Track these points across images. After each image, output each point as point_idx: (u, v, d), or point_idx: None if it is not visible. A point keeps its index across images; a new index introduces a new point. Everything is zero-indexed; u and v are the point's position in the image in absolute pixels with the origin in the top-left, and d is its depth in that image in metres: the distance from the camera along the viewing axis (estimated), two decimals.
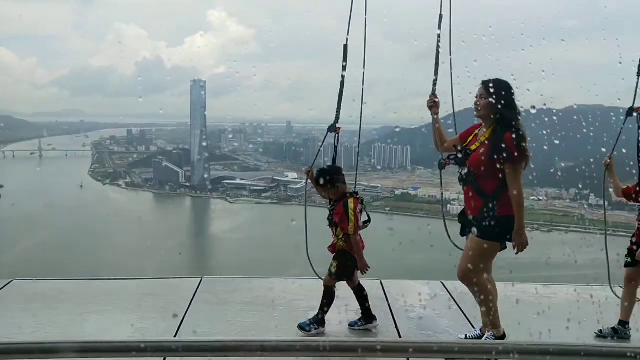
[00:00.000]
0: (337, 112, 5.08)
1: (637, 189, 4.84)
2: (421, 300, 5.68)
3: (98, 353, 3.02)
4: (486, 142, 4.28)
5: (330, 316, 4.89)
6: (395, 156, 60.33)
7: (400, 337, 4.83)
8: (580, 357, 2.54)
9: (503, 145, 4.11)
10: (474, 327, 5.03)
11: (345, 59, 5.04)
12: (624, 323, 4.87)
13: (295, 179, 57.86)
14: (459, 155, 4.45)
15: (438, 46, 4.95)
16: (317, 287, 5.66)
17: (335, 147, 5.12)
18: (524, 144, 4.21)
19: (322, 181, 4.86)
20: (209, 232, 51.36)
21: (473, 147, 4.40)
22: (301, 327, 4.76)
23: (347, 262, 4.82)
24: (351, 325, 4.95)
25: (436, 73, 4.97)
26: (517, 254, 4.27)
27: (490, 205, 4.21)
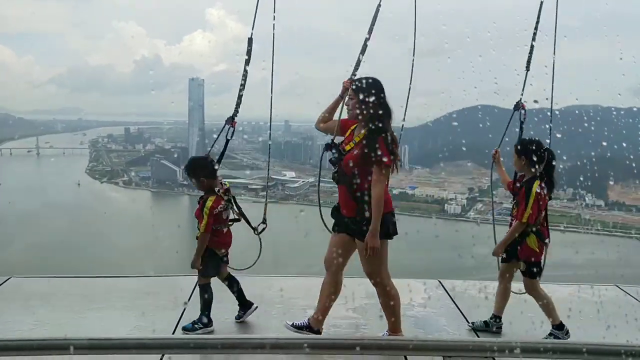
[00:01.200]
0: (236, 106, 4.97)
1: (516, 184, 4.82)
2: (419, 298, 5.69)
3: (97, 350, 3.03)
4: (360, 143, 4.18)
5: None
6: None
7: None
8: (579, 354, 2.56)
9: (375, 147, 4.05)
10: (470, 325, 5.05)
11: (248, 53, 4.92)
12: (496, 317, 4.93)
13: (293, 177, 57.87)
14: (334, 154, 4.36)
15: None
16: (314, 285, 5.67)
17: (227, 141, 4.99)
18: (394, 148, 4.12)
19: (185, 172, 4.84)
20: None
21: (347, 148, 4.30)
22: (185, 329, 4.75)
23: (206, 259, 4.78)
24: (237, 318, 4.98)
25: (370, 32, 4.81)
26: (366, 256, 4.18)
27: (365, 206, 4.13)
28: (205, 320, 4.81)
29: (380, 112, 4.12)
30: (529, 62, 5.09)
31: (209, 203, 4.70)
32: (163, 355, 4.03)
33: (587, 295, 5.90)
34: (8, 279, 6.02)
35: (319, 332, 4.56)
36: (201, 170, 4.80)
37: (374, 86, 4.19)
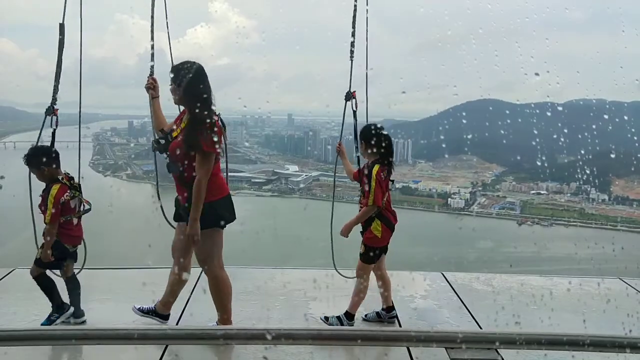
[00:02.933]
0: (54, 94, 4.96)
1: (362, 173, 4.78)
2: (422, 291, 5.70)
3: (100, 340, 3.05)
4: (183, 130, 4.14)
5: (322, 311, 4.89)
6: (395, 149, 60.27)
7: (400, 326, 4.85)
8: (581, 346, 2.56)
9: (194, 134, 4.00)
10: (474, 318, 5.06)
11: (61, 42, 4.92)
12: (389, 308, 4.92)
13: (296, 171, 57.84)
14: (161, 142, 4.33)
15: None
16: (316, 277, 5.69)
17: (54, 130, 5.00)
18: (212, 133, 4.00)
19: (25, 162, 4.72)
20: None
21: (175, 134, 4.26)
22: (43, 324, 4.59)
23: (53, 252, 4.62)
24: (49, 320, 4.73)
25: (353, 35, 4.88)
26: (188, 245, 4.12)
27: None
28: (58, 308, 4.69)
29: (200, 97, 4.05)
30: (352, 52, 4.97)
31: (53, 191, 4.56)
32: (167, 345, 4.05)
33: (590, 288, 5.89)
34: (12, 270, 6.05)
35: (166, 317, 4.64)
36: (42, 159, 4.65)
37: (193, 71, 4.10)
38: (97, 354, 3.86)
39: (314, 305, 5.20)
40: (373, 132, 4.65)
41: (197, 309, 5.06)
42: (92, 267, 6.45)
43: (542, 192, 46.21)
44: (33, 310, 4.95)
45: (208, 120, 3.99)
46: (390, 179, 4.75)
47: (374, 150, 4.60)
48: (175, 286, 4.62)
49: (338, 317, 4.78)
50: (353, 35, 4.92)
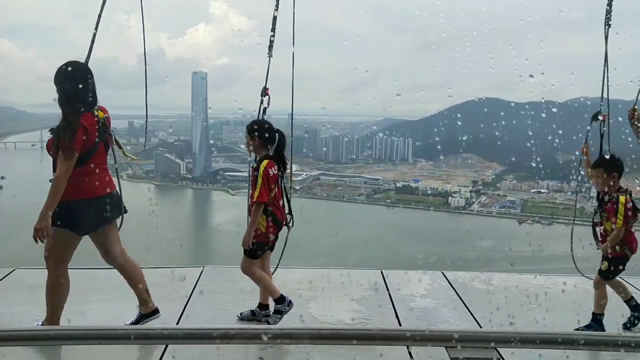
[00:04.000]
0: None
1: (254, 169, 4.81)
2: (422, 290, 5.71)
3: (101, 340, 3.05)
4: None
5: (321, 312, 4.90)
6: (396, 148, 60.22)
7: (400, 325, 4.86)
8: (579, 345, 2.57)
9: (57, 133, 4.11)
10: (474, 317, 5.06)
11: None
12: (264, 306, 4.92)
13: (296, 170, 57.80)
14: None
15: None
16: (317, 277, 5.70)
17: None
18: (68, 133, 4.05)
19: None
20: (211, 223, 51.45)
21: None
22: None
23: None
24: None
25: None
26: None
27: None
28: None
29: (67, 98, 4.12)
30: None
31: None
32: (167, 345, 4.06)
33: (590, 287, 5.88)
34: (13, 271, 6.06)
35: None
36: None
37: (65, 73, 4.16)
38: (97, 354, 3.87)
39: (313, 304, 5.21)
40: (260, 127, 4.74)
41: (196, 309, 5.07)
42: (91, 267, 6.46)
43: (542, 190, 46.19)
44: (33, 310, 4.95)
45: (69, 121, 4.06)
46: (280, 174, 4.79)
47: (262, 145, 4.69)
48: (62, 295, 4.56)
49: (252, 311, 4.85)
50: (273, 30, 4.94)
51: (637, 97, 5.12)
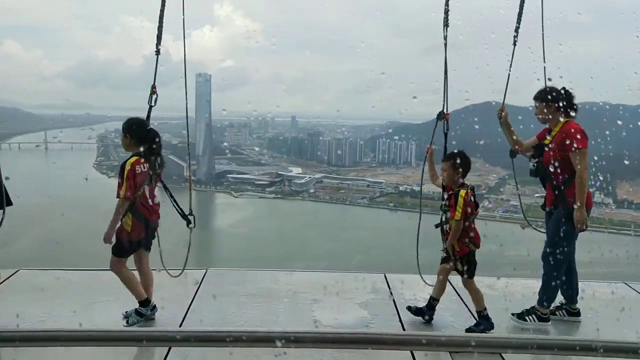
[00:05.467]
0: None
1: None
2: (425, 294, 5.67)
3: (104, 342, 3.04)
4: None
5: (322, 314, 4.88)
6: (399, 152, 60.24)
7: (404, 330, 4.83)
8: (588, 351, 2.54)
9: None
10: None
11: None
12: (145, 302, 4.86)
13: (299, 173, 57.86)
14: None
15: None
16: (321, 280, 5.68)
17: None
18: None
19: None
20: (214, 226, 51.53)
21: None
22: None
23: None
24: None
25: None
26: None
27: None
28: None
29: None
30: None
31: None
32: (170, 348, 4.05)
33: (596, 292, 5.85)
34: (17, 272, 6.06)
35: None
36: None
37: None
38: (101, 356, 3.87)
39: (318, 308, 5.19)
40: (133, 125, 4.73)
41: (200, 311, 5.06)
42: (96, 268, 6.47)
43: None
44: (37, 311, 4.96)
45: None
46: (157, 173, 4.80)
47: (135, 143, 4.66)
48: None
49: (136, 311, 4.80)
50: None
51: (504, 98, 5.17)
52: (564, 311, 5.14)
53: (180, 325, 4.76)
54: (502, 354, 3.22)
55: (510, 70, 5.17)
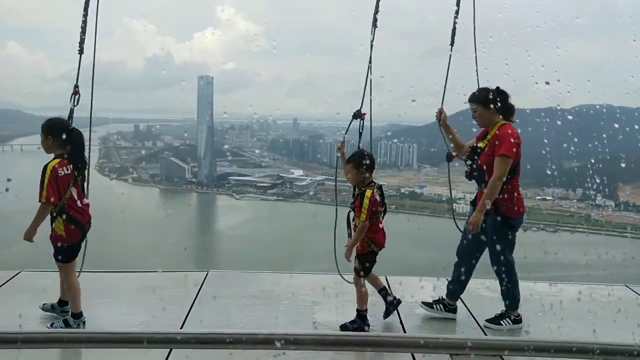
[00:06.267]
0: None
1: None
2: (427, 297, 5.67)
3: (105, 344, 3.04)
4: None
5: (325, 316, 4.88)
6: (401, 154, 60.22)
7: (404, 332, 4.83)
8: (589, 354, 2.54)
9: None
10: (478, 324, 5.04)
11: None
12: (63, 302, 4.92)
13: (301, 176, 57.87)
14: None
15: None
16: (322, 282, 5.68)
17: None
18: None
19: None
20: (215, 228, 51.53)
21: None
22: None
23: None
24: None
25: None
26: None
27: None
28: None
29: None
30: None
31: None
32: (171, 350, 4.05)
33: (597, 295, 5.85)
34: (18, 273, 6.07)
35: None
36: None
37: None
38: (101, 358, 3.87)
39: (319, 310, 5.19)
40: (53, 125, 4.63)
41: (201, 313, 5.07)
42: (97, 270, 6.48)
43: (548, 198, 46.05)
44: (38, 312, 4.97)
45: None
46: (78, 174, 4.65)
47: (57, 144, 4.56)
48: None
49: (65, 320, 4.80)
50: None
51: (443, 99, 5.14)
52: (441, 305, 5.13)
53: (181, 327, 4.76)
54: (504, 357, 3.22)
55: (448, 72, 5.17)
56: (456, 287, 5.15)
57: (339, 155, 5.20)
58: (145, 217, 49.93)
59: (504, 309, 4.98)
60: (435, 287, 6.01)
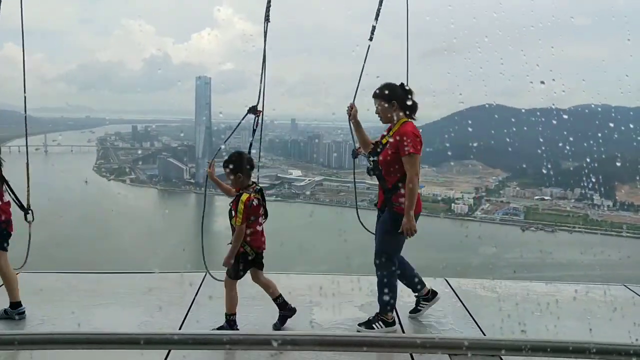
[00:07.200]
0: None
1: None
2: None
3: (104, 345, 3.04)
4: None
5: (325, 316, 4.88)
6: None
7: (403, 332, 4.84)
8: (587, 353, 2.55)
9: None
10: (477, 324, 5.04)
11: None
12: (15, 304, 4.94)
13: (299, 176, 57.82)
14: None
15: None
16: (320, 283, 5.68)
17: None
18: None
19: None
20: (213, 228, 51.49)
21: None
22: None
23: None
24: None
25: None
26: None
27: None
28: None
29: None
30: None
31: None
32: (169, 350, 4.05)
33: (595, 295, 5.87)
34: (16, 274, 6.05)
35: None
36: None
37: None
38: (100, 358, 3.87)
39: (317, 310, 5.19)
40: None
41: (200, 314, 5.06)
42: (96, 271, 6.48)
43: (545, 197, 46.10)
44: (37, 313, 4.97)
45: None
46: None
47: None
48: None
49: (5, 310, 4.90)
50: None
51: (355, 94, 5.06)
52: (421, 300, 5.12)
53: (179, 328, 4.76)
54: (502, 357, 3.22)
55: (363, 69, 5.05)
56: (414, 282, 5.07)
57: (208, 173, 5.09)
58: (143, 218, 49.89)
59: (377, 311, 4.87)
60: (434, 288, 6.02)
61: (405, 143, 4.49)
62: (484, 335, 4.81)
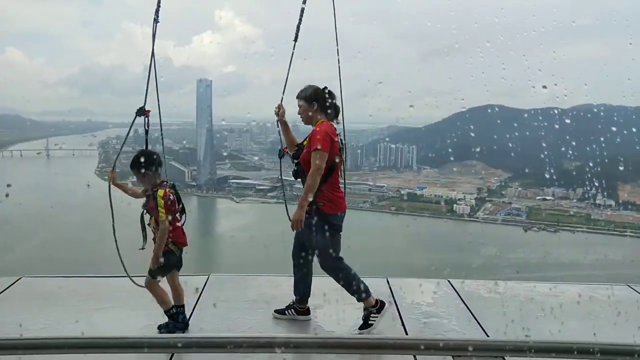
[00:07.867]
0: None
1: None
2: (428, 298, 5.67)
3: (106, 349, 3.04)
4: None
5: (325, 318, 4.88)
6: (401, 155, 60.19)
7: (406, 334, 4.83)
8: (590, 354, 2.54)
9: None
10: (481, 326, 5.03)
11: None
12: None
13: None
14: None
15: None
16: (322, 285, 5.66)
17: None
18: None
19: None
20: (216, 231, 51.47)
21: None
22: None
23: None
24: None
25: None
26: None
27: None
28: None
29: None
30: None
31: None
32: (172, 354, 4.04)
33: (598, 295, 5.85)
34: (19, 279, 6.06)
35: None
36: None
37: None
38: None
39: (320, 313, 5.19)
40: None
41: (202, 317, 5.06)
42: (99, 275, 6.48)
43: (548, 198, 46.04)
44: (39, 318, 4.96)
45: None
46: None
47: None
48: None
49: None
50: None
51: (283, 94, 5.10)
52: (292, 310, 5.08)
53: (182, 331, 4.75)
54: (506, 358, 3.21)
55: (288, 72, 5.09)
56: (301, 288, 5.05)
57: (110, 178, 5.14)
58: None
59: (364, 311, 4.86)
60: (437, 289, 6.01)
61: (314, 140, 4.56)
62: (488, 336, 4.80)
